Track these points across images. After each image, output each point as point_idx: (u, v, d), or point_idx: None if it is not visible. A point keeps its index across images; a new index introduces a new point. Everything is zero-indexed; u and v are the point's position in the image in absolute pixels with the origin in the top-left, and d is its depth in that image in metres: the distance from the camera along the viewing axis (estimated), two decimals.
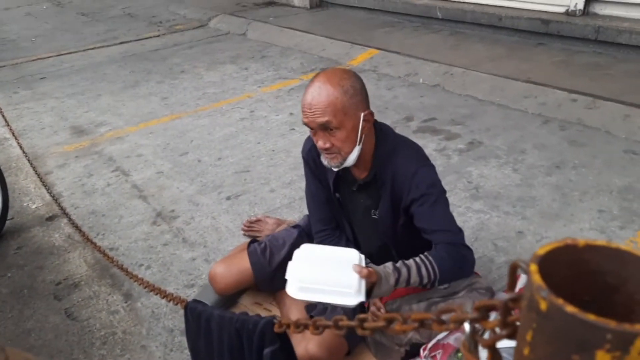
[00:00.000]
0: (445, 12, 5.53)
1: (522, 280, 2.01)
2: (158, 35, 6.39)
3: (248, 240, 2.18)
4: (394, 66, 4.63)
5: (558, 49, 4.56)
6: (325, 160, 1.64)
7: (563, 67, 4.14)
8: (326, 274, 1.41)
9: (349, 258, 1.48)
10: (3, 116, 3.29)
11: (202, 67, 5.16)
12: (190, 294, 2.18)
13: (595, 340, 0.38)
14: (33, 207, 2.93)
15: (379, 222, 1.76)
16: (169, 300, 1.44)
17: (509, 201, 2.67)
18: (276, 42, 5.79)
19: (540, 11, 4.88)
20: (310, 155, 1.83)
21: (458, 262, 1.64)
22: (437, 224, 1.67)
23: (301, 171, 3.08)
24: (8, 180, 2.82)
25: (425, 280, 1.55)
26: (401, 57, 4.69)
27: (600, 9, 4.60)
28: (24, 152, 2.92)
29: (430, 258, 1.58)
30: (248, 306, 2.07)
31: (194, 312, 1.29)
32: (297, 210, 2.72)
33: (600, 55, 4.33)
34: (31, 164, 2.86)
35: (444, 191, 1.70)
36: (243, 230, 2.55)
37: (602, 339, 0.38)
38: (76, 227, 2.21)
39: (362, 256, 1.53)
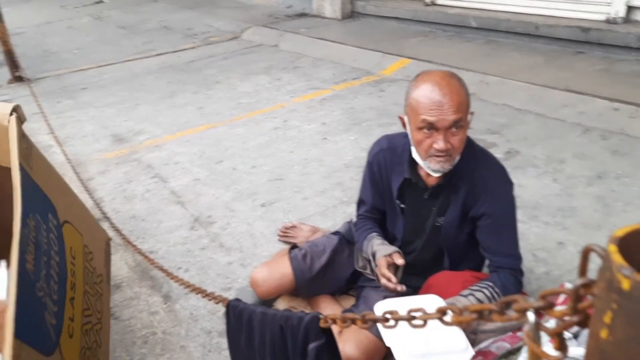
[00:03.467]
0: (479, 21, 5.49)
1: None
2: (193, 47, 6.50)
3: (286, 246, 2.17)
4: None
5: (598, 57, 4.47)
6: (436, 165, 1.54)
7: (604, 76, 4.05)
8: (430, 335, 1.38)
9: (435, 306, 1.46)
10: (48, 124, 3.39)
11: (236, 77, 5.22)
12: (228, 297, 2.19)
13: None
14: None
15: (442, 229, 1.72)
16: (210, 299, 1.45)
17: (548, 211, 2.61)
18: (308, 53, 5.82)
19: (579, 19, 4.79)
20: (376, 159, 1.78)
21: (517, 290, 1.66)
22: (503, 246, 1.67)
23: (334, 180, 3.11)
24: None
25: None
26: (434, 66, 4.63)
27: None
28: (67, 158, 2.99)
29: (497, 290, 1.59)
30: None
31: (235, 309, 1.29)
32: (330, 219, 2.72)
33: None
34: (74, 170, 2.92)
35: (516, 213, 1.69)
36: (279, 236, 2.57)
37: None
38: (117, 230, 2.25)
39: (440, 299, 1.50)
